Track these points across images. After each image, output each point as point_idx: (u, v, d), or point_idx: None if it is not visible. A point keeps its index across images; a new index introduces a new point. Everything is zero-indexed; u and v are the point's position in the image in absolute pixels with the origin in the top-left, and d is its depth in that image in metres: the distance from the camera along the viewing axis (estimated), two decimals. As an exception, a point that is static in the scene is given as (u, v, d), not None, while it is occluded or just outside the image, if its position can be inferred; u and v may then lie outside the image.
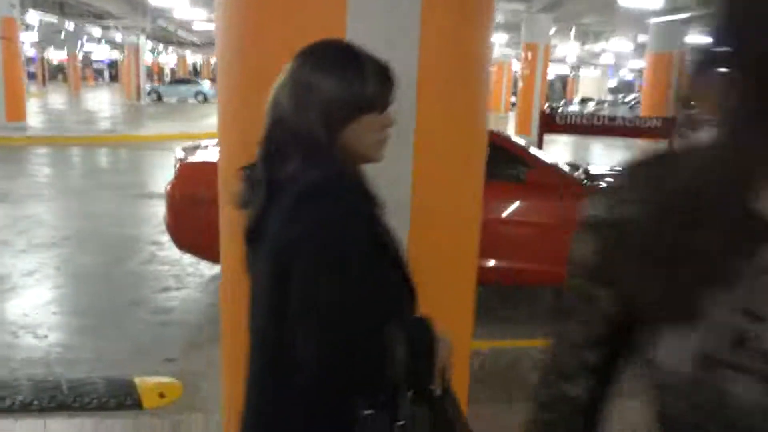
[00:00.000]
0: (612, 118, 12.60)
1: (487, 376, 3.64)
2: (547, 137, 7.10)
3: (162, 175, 8.15)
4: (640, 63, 27.34)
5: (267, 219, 1.14)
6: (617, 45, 26.75)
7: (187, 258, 5.55)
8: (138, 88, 29.80)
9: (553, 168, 4.99)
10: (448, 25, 1.85)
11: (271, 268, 1.13)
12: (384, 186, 1.24)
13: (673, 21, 17.04)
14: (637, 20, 18.91)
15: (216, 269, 4.54)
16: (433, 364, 1.20)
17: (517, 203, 4.65)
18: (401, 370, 1.14)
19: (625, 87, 46.27)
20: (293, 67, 1.20)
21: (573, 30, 25.52)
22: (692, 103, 0.67)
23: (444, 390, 1.24)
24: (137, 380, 3.39)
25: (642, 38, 22.34)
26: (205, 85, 34.31)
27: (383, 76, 1.20)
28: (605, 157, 15.84)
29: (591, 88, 45.96)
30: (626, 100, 29.94)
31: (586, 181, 5.00)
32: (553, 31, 20.75)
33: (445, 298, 1.87)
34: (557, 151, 13.90)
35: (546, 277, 4.58)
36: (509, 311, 4.89)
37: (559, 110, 21.99)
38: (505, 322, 4.60)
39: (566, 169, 5.21)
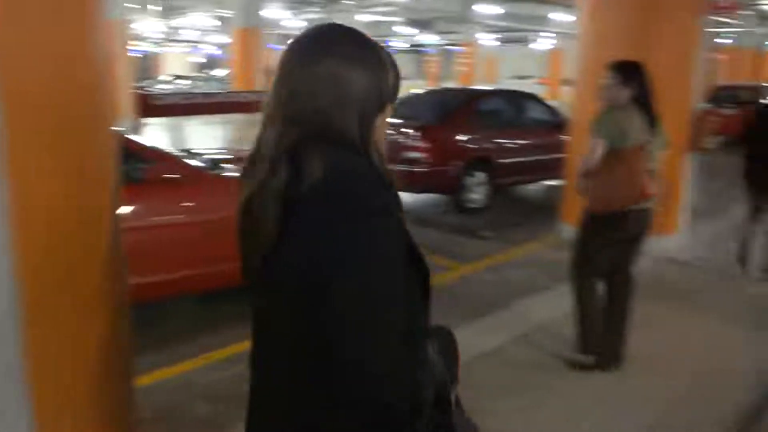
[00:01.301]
0: (211, 95, 12.34)
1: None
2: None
3: None
4: (225, 38, 27.55)
5: (288, 236, 1.02)
6: (200, 20, 26.45)
7: None
8: None
9: (174, 159, 4.30)
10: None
11: (309, 284, 0.98)
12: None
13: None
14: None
15: None
16: (457, 372, 1.28)
17: (138, 206, 3.85)
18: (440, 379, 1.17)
19: (213, 63, 46.62)
20: (308, 56, 1.09)
21: (154, 4, 24.28)
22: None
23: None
24: None
25: (226, 13, 22.39)
26: None
27: (395, 66, 1.18)
28: (209, 138, 15.37)
29: (177, 64, 45.10)
30: (217, 75, 29.92)
31: (213, 169, 4.44)
32: (130, 5, 19.29)
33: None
34: (155, 136, 12.96)
35: (190, 283, 4.00)
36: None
37: (153, 91, 20.67)
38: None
39: (188, 158, 4.58)
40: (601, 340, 3.63)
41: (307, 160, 1.03)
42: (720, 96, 13.90)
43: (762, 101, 5.64)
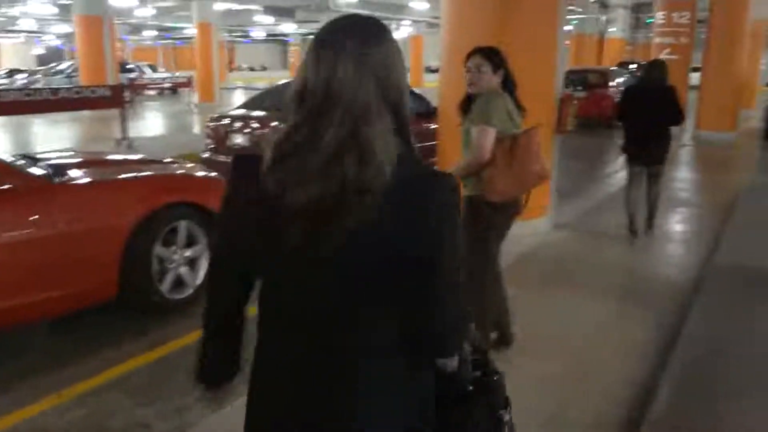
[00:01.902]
0: (55, 91, 11.18)
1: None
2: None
3: None
4: (66, 27, 25.42)
5: (392, 216, 1.10)
6: (38, 8, 24.17)
7: None
8: None
9: (4, 167, 3.72)
10: None
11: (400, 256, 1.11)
12: None
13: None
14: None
15: None
16: None
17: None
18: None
19: (55, 55, 42.98)
20: (356, 46, 1.12)
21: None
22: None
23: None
24: None
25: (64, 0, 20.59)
26: None
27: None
28: (55, 139, 14.04)
29: (14, 58, 41.23)
30: (61, 68, 27.51)
31: (56, 176, 3.89)
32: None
33: None
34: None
35: (30, 311, 3.52)
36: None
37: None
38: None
39: (22, 164, 3.99)
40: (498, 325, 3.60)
41: (378, 150, 1.09)
42: (570, 80, 14.64)
43: (632, 83, 6.27)
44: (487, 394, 1.35)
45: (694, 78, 15.35)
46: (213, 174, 4.88)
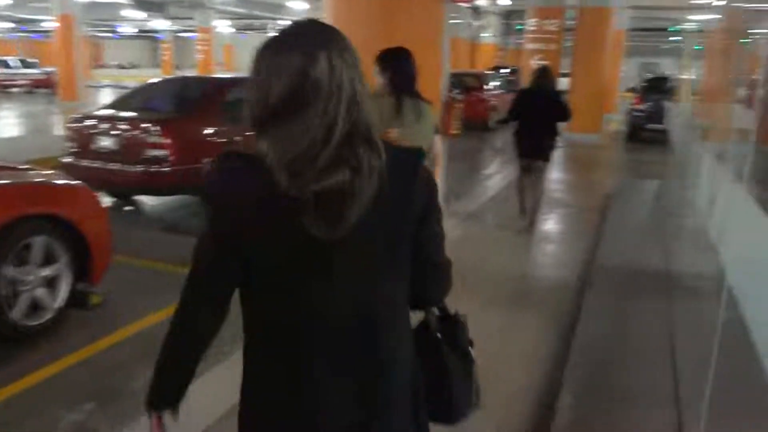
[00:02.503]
0: None
1: None
2: None
3: None
4: None
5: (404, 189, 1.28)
6: None
7: None
8: None
9: None
10: None
11: (409, 223, 1.30)
12: None
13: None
14: None
15: None
16: None
17: None
18: None
19: None
20: (345, 50, 1.22)
21: None
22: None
23: None
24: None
25: None
26: None
27: None
28: None
29: None
30: None
31: None
32: None
33: None
34: None
35: None
36: None
37: None
38: None
39: None
40: None
41: (375, 133, 1.23)
42: (449, 83, 14.89)
43: (525, 87, 7.20)
44: (455, 335, 1.55)
45: (563, 83, 16.13)
46: (75, 182, 4.36)
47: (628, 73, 28.41)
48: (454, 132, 6.14)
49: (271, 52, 1.22)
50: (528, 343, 3.93)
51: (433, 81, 5.85)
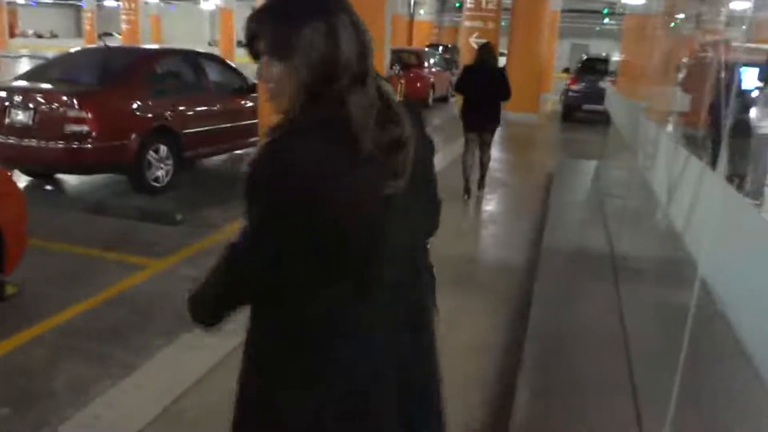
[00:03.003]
0: None
1: None
2: None
3: None
4: None
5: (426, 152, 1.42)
6: None
7: None
8: None
9: None
10: None
11: (426, 182, 1.42)
12: None
13: None
14: None
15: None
16: None
17: None
18: None
19: None
20: (343, 10, 1.23)
21: None
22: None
23: None
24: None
25: None
26: None
27: None
28: None
29: None
30: None
31: None
32: None
33: None
34: None
35: None
36: None
37: None
38: None
39: None
40: None
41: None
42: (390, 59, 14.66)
43: (469, 63, 7.22)
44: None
45: (501, 62, 16.15)
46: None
47: (561, 54, 28.85)
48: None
49: (323, 14, 1.19)
50: (478, 329, 3.80)
51: (377, 56, 5.61)
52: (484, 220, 6.27)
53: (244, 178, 1.17)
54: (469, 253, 5.28)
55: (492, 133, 6.92)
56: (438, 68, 17.19)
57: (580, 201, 6.92)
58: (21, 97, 6.20)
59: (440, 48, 24.08)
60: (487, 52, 6.82)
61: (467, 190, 6.82)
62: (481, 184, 7.02)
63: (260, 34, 1.22)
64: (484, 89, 6.60)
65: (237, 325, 1.38)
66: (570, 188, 7.34)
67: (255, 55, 1.26)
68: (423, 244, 1.51)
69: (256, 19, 1.23)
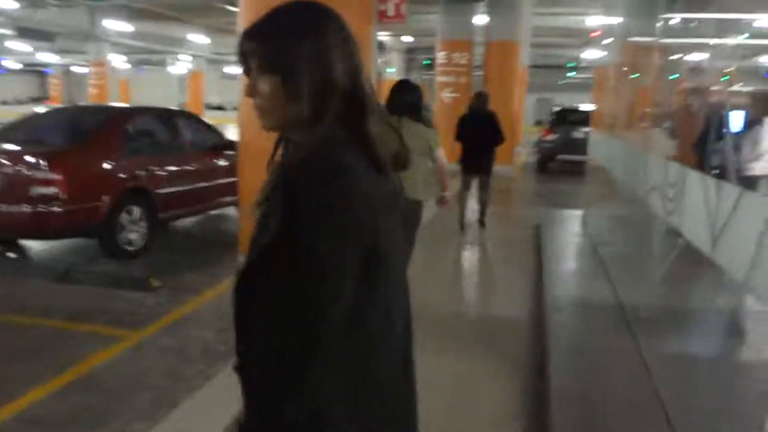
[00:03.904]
0: None
1: None
2: None
3: None
4: None
5: None
6: None
7: None
8: None
9: None
10: None
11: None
12: None
13: None
14: None
15: None
16: None
17: None
18: None
19: None
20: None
21: None
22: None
23: None
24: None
25: None
26: None
27: None
28: None
29: None
30: None
31: None
32: None
33: None
34: None
35: None
36: None
37: None
38: None
39: None
40: None
41: None
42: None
43: (465, 112, 7.76)
44: None
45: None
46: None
47: (527, 107, 29.35)
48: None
49: (314, 31, 1.17)
50: (497, 397, 3.46)
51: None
52: (478, 272, 5.99)
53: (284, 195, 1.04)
54: (472, 310, 4.97)
55: (488, 174, 7.52)
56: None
57: (573, 251, 6.70)
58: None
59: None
60: (479, 99, 7.52)
61: (462, 225, 7.48)
62: (481, 222, 7.65)
63: (252, 50, 1.19)
64: (479, 134, 7.22)
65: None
66: (560, 238, 7.13)
67: (247, 72, 1.22)
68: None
69: (248, 35, 1.19)
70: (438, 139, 4.25)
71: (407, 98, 4.08)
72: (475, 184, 7.65)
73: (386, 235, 1.13)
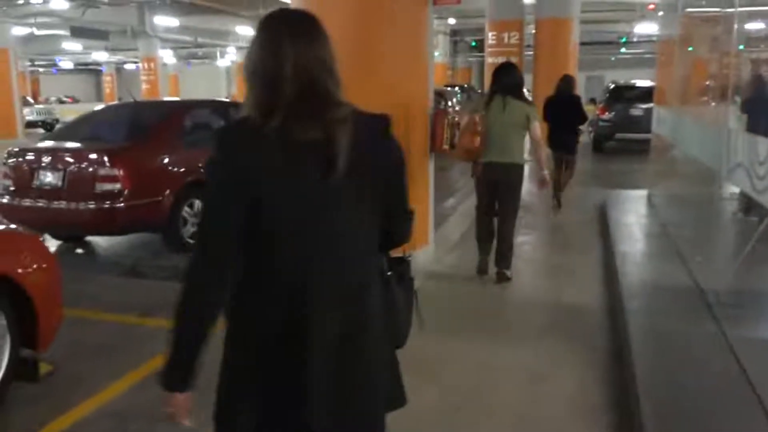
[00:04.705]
0: None
1: None
2: None
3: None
4: None
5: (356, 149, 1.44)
6: None
7: None
8: None
9: None
10: None
11: (381, 181, 1.51)
12: None
13: None
14: None
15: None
16: None
17: None
18: None
19: None
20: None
21: None
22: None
23: None
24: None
25: None
26: None
27: None
28: None
29: None
30: None
31: None
32: None
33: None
34: None
35: None
36: None
37: None
38: None
39: None
40: None
41: None
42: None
43: (551, 95, 8.15)
44: (403, 272, 1.74)
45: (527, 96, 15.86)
46: (13, 226, 3.59)
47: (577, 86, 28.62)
48: (445, 146, 5.51)
49: (263, 29, 1.55)
50: (574, 385, 3.33)
51: (420, 91, 5.30)
52: (545, 263, 5.82)
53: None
54: (539, 298, 4.83)
55: (573, 152, 8.00)
56: (458, 107, 17.00)
57: (641, 233, 6.46)
58: (49, 158, 5.96)
59: (457, 88, 24.02)
60: (566, 83, 8.03)
61: (557, 200, 7.91)
62: (558, 197, 7.95)
63: None
64: (564, 115, 7.66)
65: None
66: (626, 220, 6.88)
67: None
68: (388, 253, 1.69)
69: None
70: (535, 113, 5.03)
71: (509, 80, 4.98)
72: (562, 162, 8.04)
73: (280, 197, 1.41)
